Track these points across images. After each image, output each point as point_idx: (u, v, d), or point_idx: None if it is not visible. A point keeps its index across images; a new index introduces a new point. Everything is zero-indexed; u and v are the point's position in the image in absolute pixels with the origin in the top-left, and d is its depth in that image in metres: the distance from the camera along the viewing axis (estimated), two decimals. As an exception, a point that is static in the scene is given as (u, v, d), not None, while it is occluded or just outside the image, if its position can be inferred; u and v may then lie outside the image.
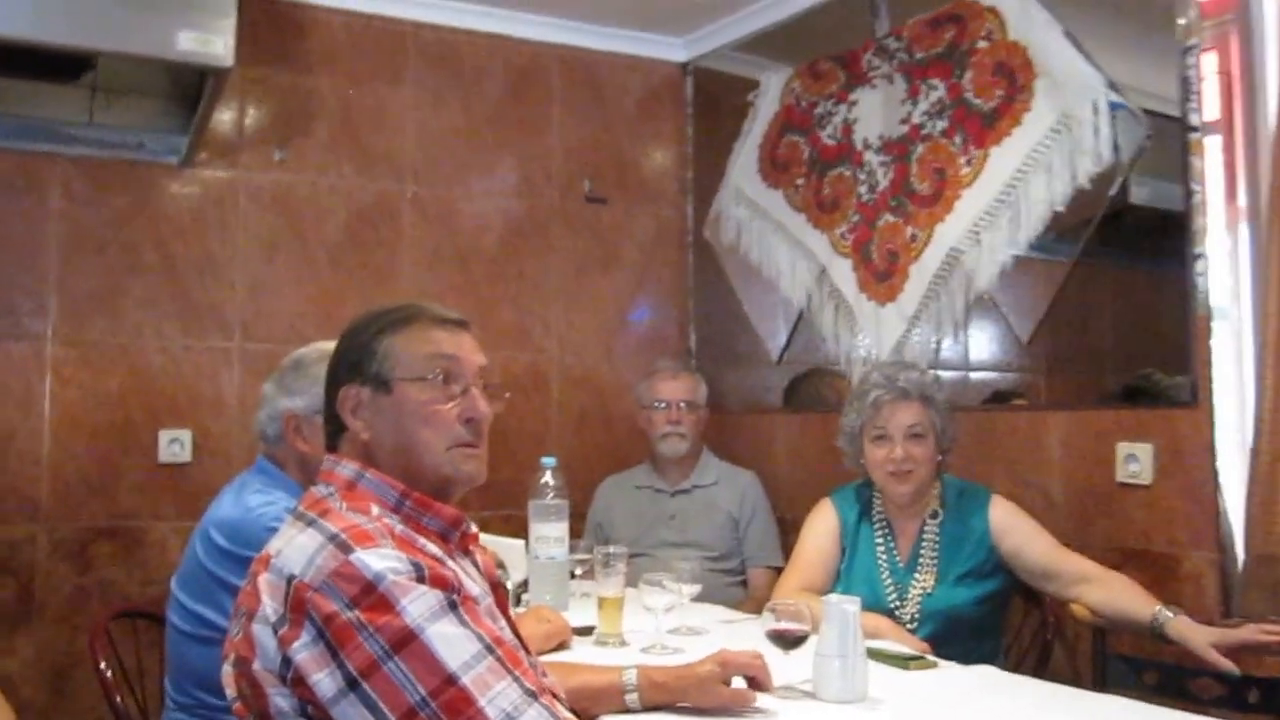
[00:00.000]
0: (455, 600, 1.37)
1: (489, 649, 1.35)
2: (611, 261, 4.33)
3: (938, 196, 3.35)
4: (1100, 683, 2.41)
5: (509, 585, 2.45)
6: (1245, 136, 2.65)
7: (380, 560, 1.35)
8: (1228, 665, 2.19)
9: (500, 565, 2.48)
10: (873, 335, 3.59)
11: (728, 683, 1.90)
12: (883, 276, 3.55)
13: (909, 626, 2.60)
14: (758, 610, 2.38)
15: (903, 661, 2.22)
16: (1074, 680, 2.27)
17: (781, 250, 3.98)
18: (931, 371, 3.04)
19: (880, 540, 2.77)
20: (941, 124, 3.36)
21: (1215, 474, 2.67)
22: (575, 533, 2.98)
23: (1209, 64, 2.72)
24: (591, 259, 4.29)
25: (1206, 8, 2.72)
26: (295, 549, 1.40)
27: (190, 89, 3.39)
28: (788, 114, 3.99)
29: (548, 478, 2.83)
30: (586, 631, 2.50)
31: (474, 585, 1.52)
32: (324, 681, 1.32)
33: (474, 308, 3.89)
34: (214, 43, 2.95)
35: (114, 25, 2.89)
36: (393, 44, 3.98)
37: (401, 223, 3.97)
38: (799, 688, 1.99)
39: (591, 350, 4.27)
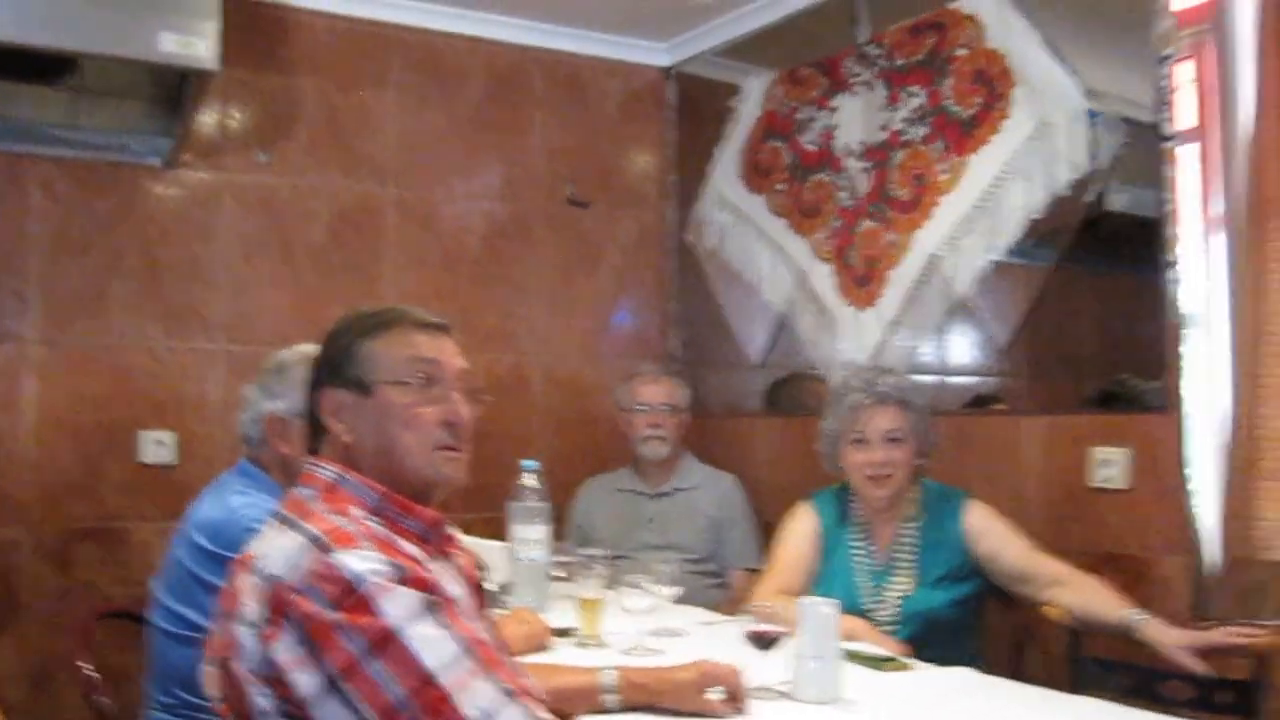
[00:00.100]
0: (435, 601, 1.39)
1: (468, 650, 1.37)
2: (593, 265, 4.34)
3: (917, 203, 3.38)
4: (1074, 685, 2.43)
5: (491, 587, 2.46)
6: (1220, 145, 2.68)
7: (361, 561, 1.37)
8: (1199, 667, 2.22)
9: (481, 567, 2.49)
10: (853, 340, 3.61)
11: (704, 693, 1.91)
12: (862, 282, 3.58)
13: (888, 629, 2.61)
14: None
15: (877, 663, 2.24)
16: (1048, 682, 2.28)
17: (763, 255, 4.00)
18: (909, 376, 3.06)
19: (858, 543, 2.79)
20: (921, 131, 3.39)
21: (1185, 479, 2.70)
22: (557, 535, 2.99)
23: (1184, 73, 2.74)
24: (574, 262, 4.30)
25: (1182, 17, 2.74)
26: (276, 550, 1.41)
27: (174, 91, 3.40)
28: (769, 119, 4.01)
29: (528, 480, 2.85)
30: (566, 633, 2.51)
31: (454, 587, 1.53)
32: (305, 681, 1.34)
33: (456, 310, 3.87)
34: (197, 45, 2.96)
35: (96, 27, 2.90)
36: (376, 47, 3.99)
37: (384, 225, 3.98)
38: (776, 688, 2.01)
39: (574, 353, 4.28)
